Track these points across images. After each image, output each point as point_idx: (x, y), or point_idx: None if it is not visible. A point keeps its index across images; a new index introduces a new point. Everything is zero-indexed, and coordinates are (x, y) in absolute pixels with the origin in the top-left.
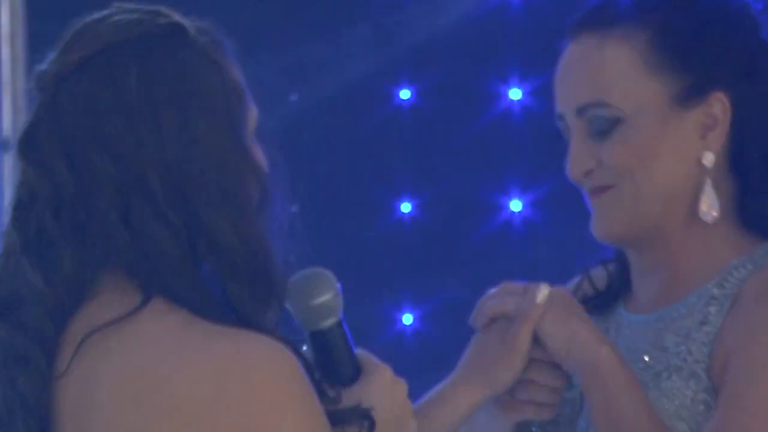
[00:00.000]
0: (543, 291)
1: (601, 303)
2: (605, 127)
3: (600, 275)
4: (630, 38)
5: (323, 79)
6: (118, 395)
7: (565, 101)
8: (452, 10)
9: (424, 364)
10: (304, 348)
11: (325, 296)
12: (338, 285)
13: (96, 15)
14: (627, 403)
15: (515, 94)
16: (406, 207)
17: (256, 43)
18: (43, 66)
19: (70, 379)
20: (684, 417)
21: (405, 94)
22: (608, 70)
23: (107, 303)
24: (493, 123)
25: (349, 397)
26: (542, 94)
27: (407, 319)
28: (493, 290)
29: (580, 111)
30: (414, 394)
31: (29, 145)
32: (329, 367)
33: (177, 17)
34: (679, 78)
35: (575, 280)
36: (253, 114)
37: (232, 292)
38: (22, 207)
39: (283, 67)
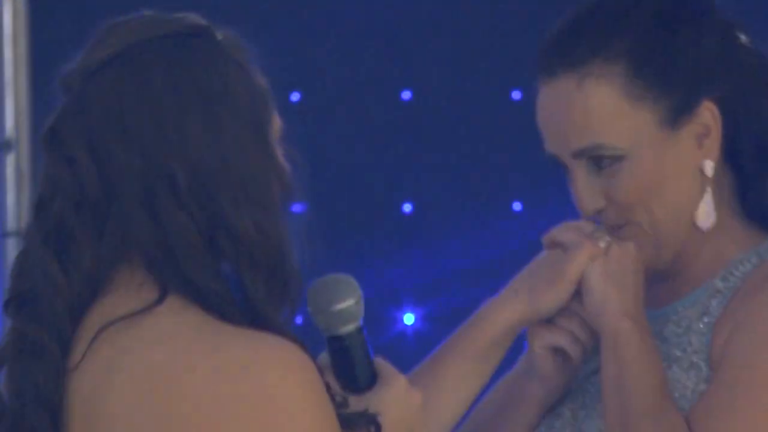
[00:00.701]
0: (605, 238)
1: None
2: (606, 166)
3: None
4: (607, 74)
5: (325, 80)
6: (129, 391)
7: (558, 145)
8: (454, 11)
9: None
10: (324, 353)
11: (348, 302)
12: (361, 292)
13: (122, 17)
14: (637, 378)
15: (516, 94)
16: (407, 207)
17: (256, 43)
18: (69, 65)
19: (83, 372)
20: (685, 408)
21: (406, 95)
22: (595, 113)
23: (124, 297)
24: (494, 123)
25: (362, 404)
26: None
27: (408, 318)
28: (571, 221)
29: (577, 155)
30: None
31: (53, 139)
32: (346, 373)
33: (204, 21)
34: (664, 100)
35: None
36: (277, 119)
37: (248, 287)
38: (43, 201)
39: (285, 68)
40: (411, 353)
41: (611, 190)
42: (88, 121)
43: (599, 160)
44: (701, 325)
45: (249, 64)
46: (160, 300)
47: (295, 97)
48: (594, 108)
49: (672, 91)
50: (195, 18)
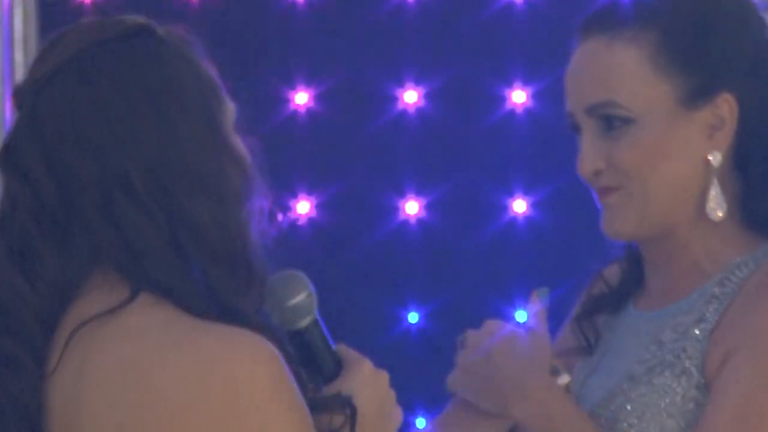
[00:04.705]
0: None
1: (614, 301)
2: (615, 126)
3: (614, 273)
4: (638, 39)
5: (329, 81)
6: (103, 390)
7: (575, 100)
8: (456, 12)
9: (430, 362)
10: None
11: (299, 297)
12: (311, 285)
13: (68, 26)
14: None
15: (519, 96)
16: (411, 208)
17: (258, 44)
18: (20, 82)
19: (60, 376)
20: (674, 414)
21: (410, 96)
22: (617, 71)
23: (97, 299)
24: (496, 125)
25: (331, 391)
26: (546, 96)
27: (413, 317)
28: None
29: (590, 110)
30: (418, 392)
31: (9, 156)
32: (311, 365)
33: (144, 20)
34: (686, 79)
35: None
36: (230, 108)
37: (213, 277)
38: (5, 217)
39: (289, 68)
40: (415, 352)
41: (613, 153)
42: (42, 136)
43: (609, 120)
44: (697, 332)
45: (194, 55)
46: (130, 299)
47: (298, 98)
48: (617, 66)
49: (698, 72)
50: (135, 18)
